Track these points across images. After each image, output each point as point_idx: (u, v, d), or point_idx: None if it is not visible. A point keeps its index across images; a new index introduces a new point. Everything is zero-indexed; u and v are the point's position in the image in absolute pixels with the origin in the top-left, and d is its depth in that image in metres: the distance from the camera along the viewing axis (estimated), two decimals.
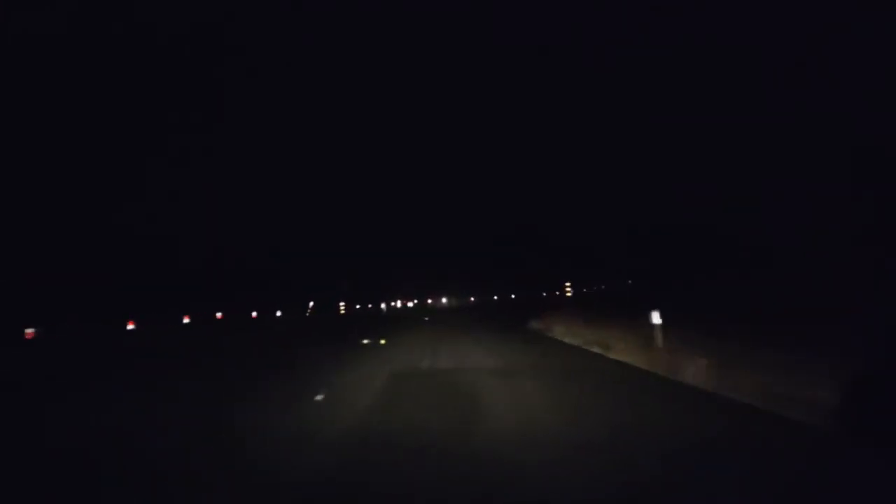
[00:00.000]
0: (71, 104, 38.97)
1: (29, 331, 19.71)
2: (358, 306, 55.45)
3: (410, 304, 63.36)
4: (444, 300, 72.43)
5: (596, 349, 16.78)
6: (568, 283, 45.06)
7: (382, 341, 19.52)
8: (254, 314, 38.02)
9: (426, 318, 39.74)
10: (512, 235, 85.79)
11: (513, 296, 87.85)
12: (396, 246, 69.10)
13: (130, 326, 24.55)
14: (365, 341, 19.54)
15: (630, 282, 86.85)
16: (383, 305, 56.89)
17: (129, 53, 44.09)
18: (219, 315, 32.80)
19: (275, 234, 53.89)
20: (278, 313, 43.21)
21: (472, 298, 79.58)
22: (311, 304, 46.05)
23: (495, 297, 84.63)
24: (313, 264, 54.25)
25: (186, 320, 29.52)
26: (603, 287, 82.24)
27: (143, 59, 44.92)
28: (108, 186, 38.95)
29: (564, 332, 22.57)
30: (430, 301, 68.08)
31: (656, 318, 15.95)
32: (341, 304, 47.93)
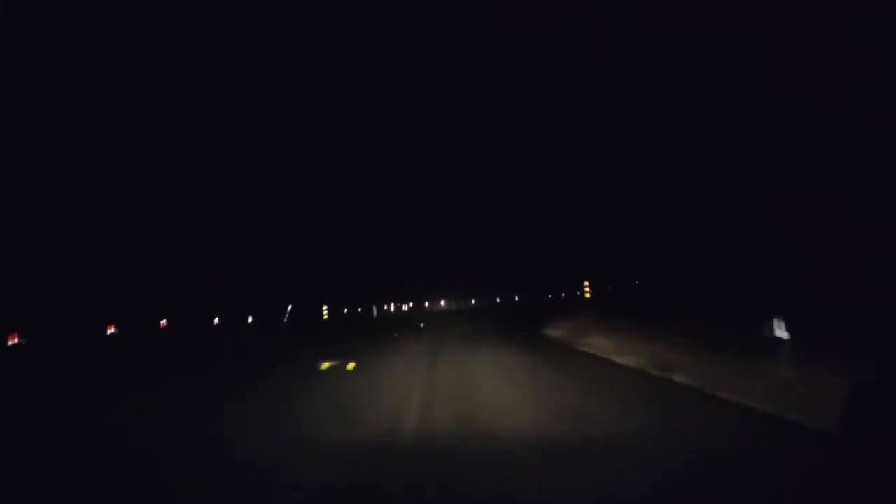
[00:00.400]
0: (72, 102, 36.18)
1: None
2: (346, 310, 49.38)
3: (405, 308, 57.15)
4: (442, 303, 66.28)
5: (680, 378, 10.75)
6: (586, 283, 38.84)
7: (351, 365, 13.39)
8: (216, 321, 31.99)
9: (422, 325, 33.78)
10: (512, 235, 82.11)
11: (516, 298, 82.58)
12: (392, 246, 63.81)
13: (12, 341, 18.57)
14: (326, 365, 13.41)
15: (637, 282, 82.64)
16: (375, 309, 50.81)
17: (126, 53, 40.08)
18: (163, 323, 26.74)
19: (264, 233, 48.79)
20: (250, 319, 37.27)
21: (473, 301, 73.63)
22: (290, 308, 40.03)
23: (497, 300, 78.81)
24: (304, 265, 49.00)
25: (111, 330, 23.44)
26: (610, 288, 78.70)
27: (139, 60, 41.25)
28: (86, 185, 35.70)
29: (608, 347, 16.54)
30: (427, 304, 61.95)
31: (781, 330, 10.13)
32: (325, 308, 41.87)
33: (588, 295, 40.66)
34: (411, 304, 58.66)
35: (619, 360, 14.03)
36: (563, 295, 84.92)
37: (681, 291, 34.17)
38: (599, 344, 17.91)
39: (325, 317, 41.68)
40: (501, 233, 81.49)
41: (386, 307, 54.40)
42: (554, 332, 27.29)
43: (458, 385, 10.43)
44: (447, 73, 75.92)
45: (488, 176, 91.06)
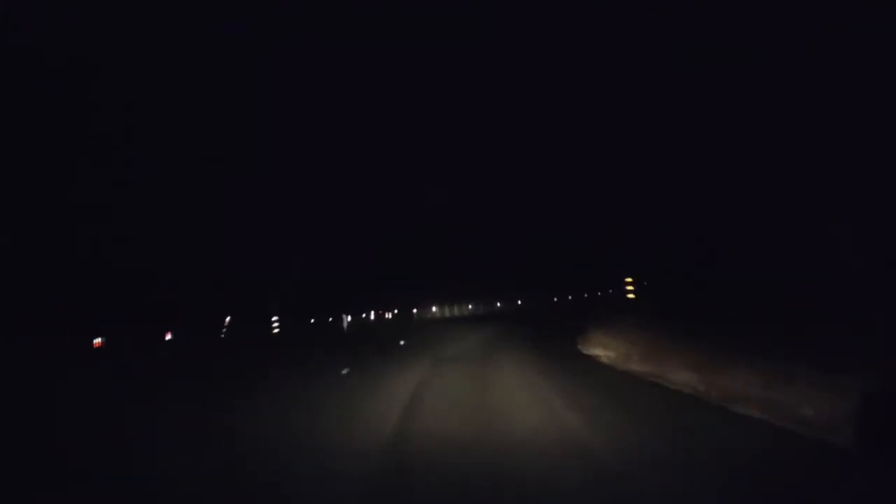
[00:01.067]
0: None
1: None
2: (313, 320, 39.31)
3: (388, 315, 47.23)
4: (434, 308, 56.23)
5: None
6: (629, 279, 29.54)
7: None
8: (97, 341, 21.94)
9: (402, 343, 23.94)
10: (510, 234, 77.26)
11: (518, 301, 73.85)
12: (377, 245, 55.31)
13: None
14: None
15: (645, 283, 76.25)
16: (349, 318, 40.80)
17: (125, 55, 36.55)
18: None
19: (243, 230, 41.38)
20: (168, 336, 27.25)
21: (470, 306, 63.88)
22: (228, 319, 30.04)
23: (499, 304, 69.24)
24: (260, 266, 39.86)
25: None
26: (616, 290, 72.02)
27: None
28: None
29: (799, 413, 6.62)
30: (415, 310, 51.93)
31: None
32: (274, 319, 31.86)
33: (632, 296, 31.06)
34: (396, 311, 48.56)
35: None
36: (570, 297, 76.62)
37: (695, 292, 30.83)
38: (758, 396, 8.09)
39: (276, 330, 31.63)
40: (499, 232, 75.75)
41: (364, 315, 44.30)
42: (601, 352, 17.55)
43: None
44: (447, 72, 73.82)
45: (486, 174, 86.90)
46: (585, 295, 78.34)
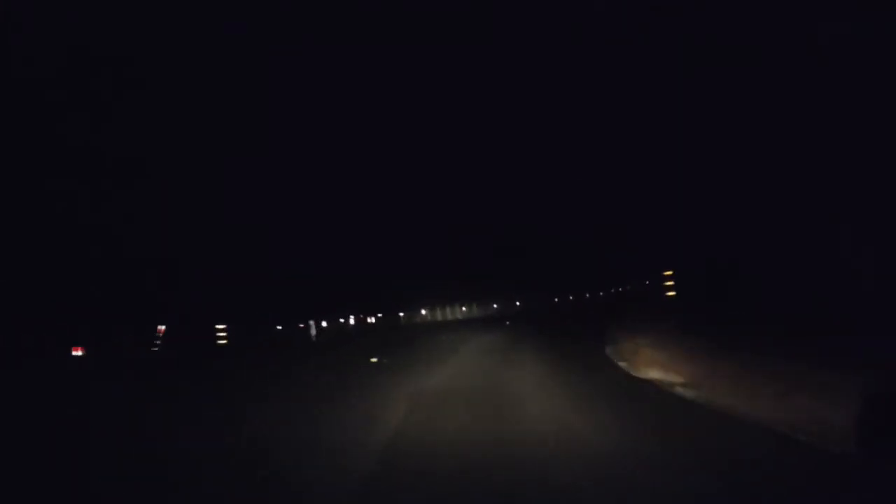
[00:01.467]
0: None
1: None
2: (281, 327, 33.24)
3: (371, 320, 41.12)
4: (423, 311, 50.19)
5: None
6: (669, 273, 24.12)
7: None
8: None
9: (374, 360, 17.98)
10: (507, 233, 72.39)
11: (517, 303, 69.75)
12: (360, 244, 50.78)
13: None
14: None
15: (647, 283, 74.02)
16: (323, 324, 34.65)
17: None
18: None
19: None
20: (78, 352, 21.40)
21: (464, 308, 58.20)
22: (163, 328, 24.00)
23: (495, 306, 64.17)
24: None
25: None
26: (622, 290, 68.22)
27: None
28: None
29: None
30: (402, 314, 45.82)
31: None
32: (220, 327, 25.81)
33: (672, 293, 25.08)
34: (379, 315, 42.45)
35: None
36: (571, 298, 72.74)
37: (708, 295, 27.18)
38: None
39: (222, 340, 25.52)
40: (498, 232, 71.92)
41: (342, 320, 38.17)
42: (663, 375, 11.49)
43: None
44: (447, 72, 71.72)
45: (485, 173, 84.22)
46: (587, 295, 75.03)
